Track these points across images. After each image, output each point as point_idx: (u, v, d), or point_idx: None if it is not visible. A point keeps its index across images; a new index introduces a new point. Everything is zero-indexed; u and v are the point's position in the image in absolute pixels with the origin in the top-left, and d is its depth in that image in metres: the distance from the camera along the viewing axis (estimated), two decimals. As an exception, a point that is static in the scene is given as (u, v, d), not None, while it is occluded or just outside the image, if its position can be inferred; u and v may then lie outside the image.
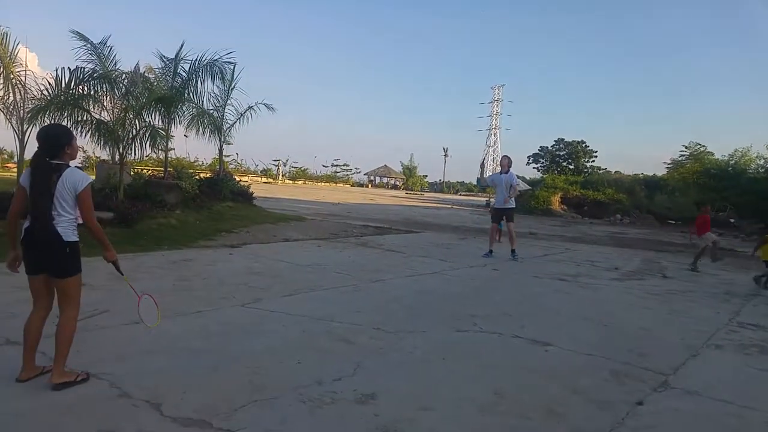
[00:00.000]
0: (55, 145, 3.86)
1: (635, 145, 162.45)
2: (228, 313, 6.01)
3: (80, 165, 46.13)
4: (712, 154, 42.70)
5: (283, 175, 77.16)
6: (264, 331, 5.50)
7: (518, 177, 13.27)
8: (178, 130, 18.95)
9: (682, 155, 47.13)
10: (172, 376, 4.13)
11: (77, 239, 3.93)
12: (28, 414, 3.41)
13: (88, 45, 13.95)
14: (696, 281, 10.44)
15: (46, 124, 11.99)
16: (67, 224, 3.83)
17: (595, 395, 4.32)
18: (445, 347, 5.31)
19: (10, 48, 11.75)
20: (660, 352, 5.64)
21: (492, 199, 12.93)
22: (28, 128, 11.88)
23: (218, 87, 17.59)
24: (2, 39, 11.61)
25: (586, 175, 53.68)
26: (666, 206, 31.35)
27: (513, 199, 12.22)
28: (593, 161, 67.45)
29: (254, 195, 19.42)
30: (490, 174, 13.26)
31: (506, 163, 12.38)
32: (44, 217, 3.75)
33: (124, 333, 5.15)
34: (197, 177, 18.03)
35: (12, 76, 11.69)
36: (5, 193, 11.30)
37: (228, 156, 56.25)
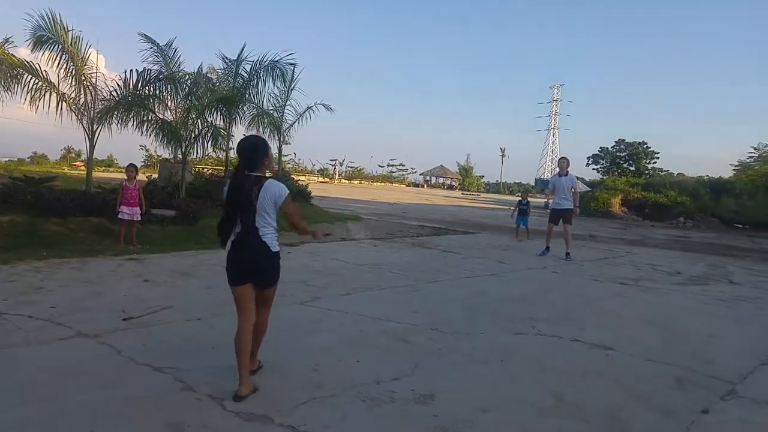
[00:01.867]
0: (254, 157, 3.91)
1: (699, 147, 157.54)
2: (287, 311, 6.09)
3: (143, 163, 47.83)
4: (783, 156, 40.89)
5: (339, 175, 78.02)
6: (322, 329, 5.58)
7: (578, 178, 13.01)
8: (238, 130, 19.39)
9: (750, 157, 45.37)
10: (234, 371, 4.19)
11: (279, 249, 3.99)
12: (101, 404, 3.55)
13: (154, 47, 14.49)
14: (765, 288, 9.98)
15: (111, 124, 12.44)
16: (271, 235, 3.91)
17: (658, 402, 4.21)
18: (504, 349, 5.27)
19: (82, 51, 12.23)
20: (726, 359, 5.43)
21: (550, 200, 12.84)
22: (97, 128, 12.33)
23: (278, 87, 17.92)
24: (75, 42, 12.07)
25: (648, 176, 52.12)
26: (732, 210, 30.07)
27: (571, 199, 12.13)
28: (655, 163, 65.57)
29: (311, 194, 19.66)
30: (550, 176, 13.02)
31: (565, 165, 12.32)
32: (252, 230, 3.83)
33: (186, 329, 5.31)
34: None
35: (84, 78, 12.16)
36: (76, 191, 11.81)
37: (286, 155, 57.27)
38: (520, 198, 17.34)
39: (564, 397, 4.15)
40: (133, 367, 4.19)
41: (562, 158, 12.62)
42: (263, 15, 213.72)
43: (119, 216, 9.67)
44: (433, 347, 5.18)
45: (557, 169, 12.68)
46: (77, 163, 61.18)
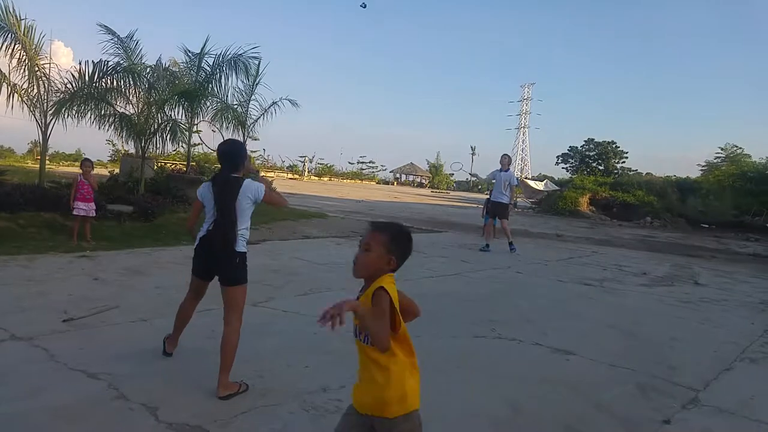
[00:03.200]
0: (236, 160, 4.07)
1: (667, 147, 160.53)
2: (238, 313, 5.86)
3: (110, 158, 46.77)
4: (749, 157, 41.71)
5: (308, 172, 77.54)
6: (274, 332, 5.34)
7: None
8: (202, 125, 19.00)
9: (717, 157, 46.22)
10: (175, 377, 4.00)
11: (246, 251, 4.04)
12: (20, 416, 3.28)
13: (115, 38, 14.01)
14: (730, 289, 9.98)
15: (66, 117, 12.01)
16: (241, 234, 3.96)
17: (619, 411, 4.05)
18: (461, 354, 5.10)
19: (35, 41, 11.76)
20: (690, 364, 5.32)
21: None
22: (51, 121, 11.88)
23: (243, 82, 17.54)
24: (28, 32, 11.61)
25: (616, 176, 52.70)
26: (699, 210, 30.33)
27: (507, 195, 13.06)
28: (623, 162, 66.64)
29: (276, 191, 19.31)
30: (492, 171, 13.38)
31: (506, 161, 13.17)
32: (227, 228, 3.90)
33: (130, 331, 5.03)
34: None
35: (37, 68, 11.68)
36: (27, 185, 11.36)
37: (254, 152, 56.73)
38: (488, 196, 17.19)
39: (521, 407, 3.98)
40: (66, 373, 3.91)
41: (504, 155, 13.35)
42: (228, 5, 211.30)
43: (74, 212, 9.37)
44: (389, 352, 4.95)
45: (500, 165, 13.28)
46: (42, 157, 59.43)
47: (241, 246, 3.96)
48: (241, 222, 3.94)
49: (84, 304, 5.58)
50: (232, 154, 4.09)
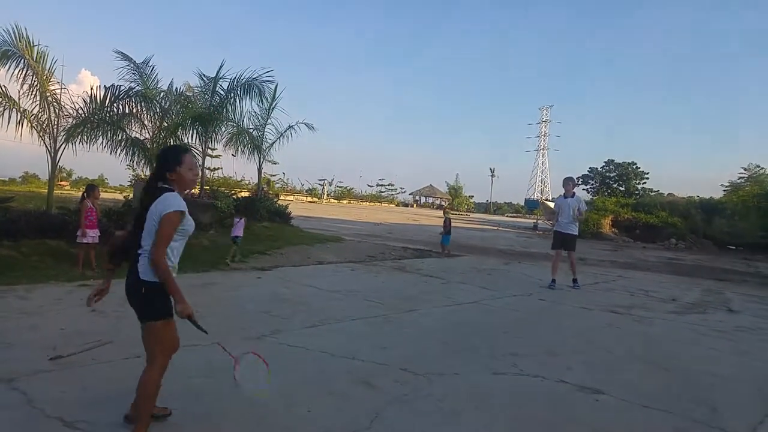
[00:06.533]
0: (162, 166, 3.35)
1: (689, 167, 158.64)
2: (240, 347, 5.38)
3: (129, 183, 47.06)
4: (773, 177, 40.72)
5: (327, 195, 77.68)
6: (276, 369, 4.87)
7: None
8: (224, 151, 18.94)
9: (740, 178, 45.29)
10: (160, 425, 3.59)
11: (155, 281, 3.17)
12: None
13: (131, 64, 13.96)
14: (766, 317, 9.36)
15: (76, 142, 11.87)
16: (147, 261, 3.17)
17: (657, 464, 3.58)
18: (479, 394, 4.64)
19: (47, 66, 11.69)
20: (733, 405, 4.81)
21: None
22: (61, 146, 11.73)
23: (258, 106, 17.47)
24: (40, 58, 11.54)
25: (638, 197, 51.80)
26: (725, 231, 29.56)
27: (576, 224, 11.36)
28: (645, 183, 65.55)
29: (292, 215, 19.09)
30: (554, 198, 11.79)
31: (571, 186, 11.51)
32: (136, 249, 3.24)
33: (120, 369, 4.62)
34: (234, 197, 17.79)
35: (48, 93, 11.56)
36: (33, 212, 11.14)
37: (274, 175, 56.82)
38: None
39: (546, 459, 3.52)
40: (40, 422, 3.53)
41: (567, 178, 11.66)
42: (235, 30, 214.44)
43: (85, 240, 9.04)
44: (400, 392, 4.52)
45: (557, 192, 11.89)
46: (62, 182, 60.18)
47: (146, 273, 3.15)
48: (147, 242, 3.15)
49: (76, 340, 5.23)
50: (159, 161, 3.43)
